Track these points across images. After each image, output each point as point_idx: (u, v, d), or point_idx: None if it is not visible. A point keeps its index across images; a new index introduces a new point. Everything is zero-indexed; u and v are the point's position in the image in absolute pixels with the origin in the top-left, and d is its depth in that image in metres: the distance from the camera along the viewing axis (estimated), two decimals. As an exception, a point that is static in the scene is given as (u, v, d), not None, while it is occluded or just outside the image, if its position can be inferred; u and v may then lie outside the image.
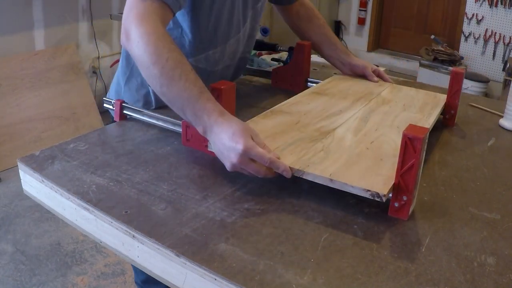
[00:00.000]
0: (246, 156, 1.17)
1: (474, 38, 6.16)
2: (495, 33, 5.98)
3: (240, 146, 1.16)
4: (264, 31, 4.69)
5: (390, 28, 7.49)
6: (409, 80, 2.33)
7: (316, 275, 0.94)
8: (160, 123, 1.54)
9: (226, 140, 1.19)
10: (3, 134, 4.04)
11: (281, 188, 1.24)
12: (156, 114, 1.55)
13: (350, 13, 7.52)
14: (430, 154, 1.49)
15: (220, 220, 1.10)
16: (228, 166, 1.21)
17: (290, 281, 0.92)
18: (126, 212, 1.12)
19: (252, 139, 1.19)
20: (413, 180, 1.08)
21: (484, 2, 5.99)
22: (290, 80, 1.98)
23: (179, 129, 1.46)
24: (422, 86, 2.06)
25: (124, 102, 1.61)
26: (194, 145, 1.42)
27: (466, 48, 6.22)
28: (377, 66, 2.00)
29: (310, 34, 2.01)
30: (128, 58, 1.75)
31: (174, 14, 1.44)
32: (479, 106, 1.94)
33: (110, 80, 5.05)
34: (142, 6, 1.33)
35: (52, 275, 2.91)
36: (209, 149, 1.30)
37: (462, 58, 6.12)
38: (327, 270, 0.96)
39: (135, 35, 1.30)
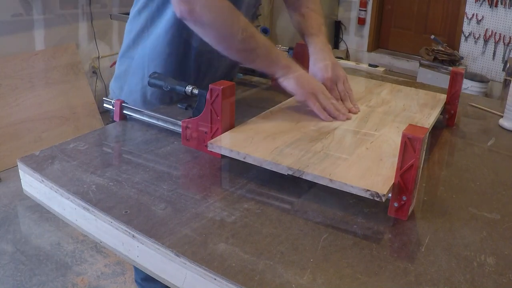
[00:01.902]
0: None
1: (474, 38, 6.17)
2: (495, 33, 5.98)
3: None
4: (264, 31, 4.69)
5: (390, 28, 7.49)
6: (409, 80, 2.33)
7: (315, 275, 0.94)
8: (160, 123, 1.54)
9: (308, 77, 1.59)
10: (3, 134, 4.04)
11: (281, 188, 1.24)
12: (156, 114, 1.55)
13: (350, 13, 7.52)
14: (430, 154, 1.49)
15: (220, 220, 1.10)
16: (303, 93, 1.54)
17: (290, 281, 0.92)
18: (126, 212, 1.12)
19: None
20: (412, 180, 1.08)
21: (484, 2, 5.99)
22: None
23: (179, 129, 1.46)
24: (422, 86, 2.06)
25: (124, 102, 1.61)
26: (194, 145, 1.42)
27: (466, 48, 6.22)
28: (377, 66, 2.00)
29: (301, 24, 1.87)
30: (127, 55, 1.83)
31: None
32: (479, 106, 1.94)
33: (110, 80, 5.06)
34: None
35: (52, 275, 2.92)
36: (282, 83, 1.55)
37: (462, 58, 6.12)
38: (326, 270, 0.96)
39: (204, 7, 1.42)
